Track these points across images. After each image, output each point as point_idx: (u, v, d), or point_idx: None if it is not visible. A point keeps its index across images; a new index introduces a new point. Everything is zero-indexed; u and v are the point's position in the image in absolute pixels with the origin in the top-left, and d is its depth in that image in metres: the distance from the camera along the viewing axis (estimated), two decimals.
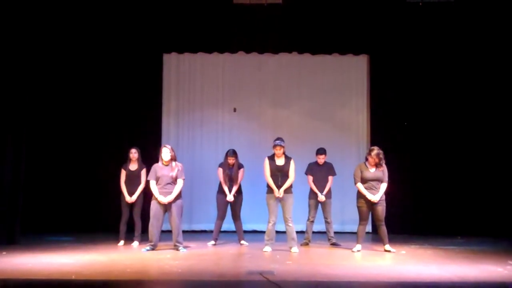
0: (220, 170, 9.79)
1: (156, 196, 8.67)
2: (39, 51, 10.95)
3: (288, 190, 8.81)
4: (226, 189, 9.64)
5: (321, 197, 9.59)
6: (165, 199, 8.63)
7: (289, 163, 8.85)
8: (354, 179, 8.97)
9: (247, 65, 12.47)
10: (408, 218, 11.44)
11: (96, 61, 11.86)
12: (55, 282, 5.93)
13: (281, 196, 8.74)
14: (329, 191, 9.78)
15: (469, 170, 11.63)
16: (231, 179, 9.68)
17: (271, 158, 8.94)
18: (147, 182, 9.02)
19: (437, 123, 11.81)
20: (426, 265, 7.39)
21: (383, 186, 8.83)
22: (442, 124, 11.79)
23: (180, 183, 8.80)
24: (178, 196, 8.80)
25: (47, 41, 11.29)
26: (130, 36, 11.80)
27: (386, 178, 8.88)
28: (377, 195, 8.73)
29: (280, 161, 8.87)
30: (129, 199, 9.51)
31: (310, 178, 9.75)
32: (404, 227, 11.21)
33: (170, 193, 8.68)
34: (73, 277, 6.11)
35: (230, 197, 9.59)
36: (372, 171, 8.83)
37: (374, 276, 6.51)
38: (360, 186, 8.88)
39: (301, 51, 12.28)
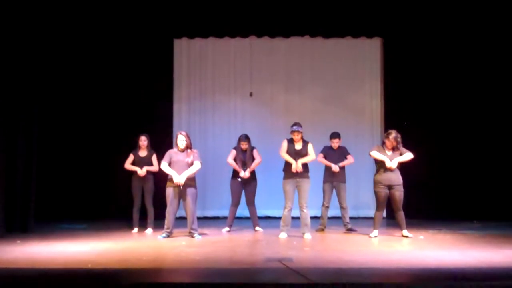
0: (233, 151, 9.67)
1: (172, 174, 8.53)
2: (51, 38, 10.86)
3: (305, 175, 8.70)
4: (239, 169, 9.53)
5: (335, 167, 9.47)
6: (181, 178, 8.48)
7: (307, 146, 8.79)
8: (370, 154, 8.80)
9: (258, 49, 12.35)
10: (423, 202, 11.32)
11: (107, 48, 11.76)
12: (71, 271, 5.83)
13: (299, 170, 8.60)
14: (344, 176, 9.66)
15: (484, 154, 11.51)
16: (244, 164, 9.57)
17: (290, 141, 8.85)
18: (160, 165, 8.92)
19: (453, 107, 11.66)
20: (447, 251, 7.24)
21: (408, 155, 8.65)
22: (457, 108, 11.65)
23: (197, 164, 8.67)
24: (193, 183, 8.69)
25: (58, 28, 11.18)
26: (140, 22, 11.68)
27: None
28: (394, 161, 8.56)
29: (298, 145, 8.78)
30: (140, 171, 9.43)
31: (321, 155, 9.61)
32: (420, 211, 11.07)
33: (185, 180, 8.55)
34: (90, 266, 6.01)
35: (244, 174, 9.45)
36: (389, 154, 8.67)
37: (395, 263, 6.38)
38: (375, 153, 8.73)
39: (313, 35, 12.17)
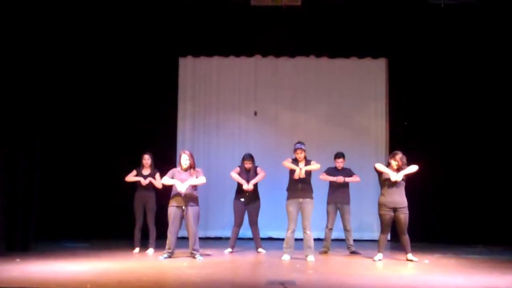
0: (237, 168, 9.61)
1: (174, 183, 8.47)
2: (56, 53, 10.91)
3: (309, 195, 8.60)
4: (243, 181, 9.43)
5: (340, 178, 9.44)
6: (183, 187, 8.41)
7: (309, 162, 8.70)
8: (375, 166, 8.69)
9: (263, 68, 12.31)
10: (428, 226, 11.19)
11: (112, 64, 11.74)
12: None
13: (302, 175, 8.51)
14: (348, 197, 9.59)
15: (489, 177, 11.37)
16: (247, 183, 9.44)
17: (294, 160, 8.77)
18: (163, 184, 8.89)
19: (458, 128, 11.57)
20: (452, 276, 7.13)
21: (412, 167, 8.54)
22: (463, 129, 11.55)
23: (202, 178, 8.61)
24: (196, 203, 8.60)
25: (64, 41, 11.20)
26: (146, 40, 11.67)
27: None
28: (400, 174, 8.44)
29: (301, 165, 8.66)
30: (143, 180, 9.36)
31: (324, 174, 9.53)
32: (424, 235, 10.95)
33: (187, 199, 8.48)
34: (88, 287, 5.90)
35: (247, 186, 9.35)
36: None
37: (401, 287, 6.25)
38: (379, 165, 8.65)
39: (318, 55, 12.15)
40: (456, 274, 7.24)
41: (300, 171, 8.57)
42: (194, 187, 8.64)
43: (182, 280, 6.63)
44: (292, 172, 8.70)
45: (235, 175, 9.54)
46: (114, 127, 11.67)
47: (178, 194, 8.51)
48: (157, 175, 9.43)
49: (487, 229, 11.12)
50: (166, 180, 8.58)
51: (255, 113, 11.69)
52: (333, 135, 11.94)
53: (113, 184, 11.12)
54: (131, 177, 9.50)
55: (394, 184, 8.47)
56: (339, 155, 9.66)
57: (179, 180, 8.52)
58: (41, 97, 9.81)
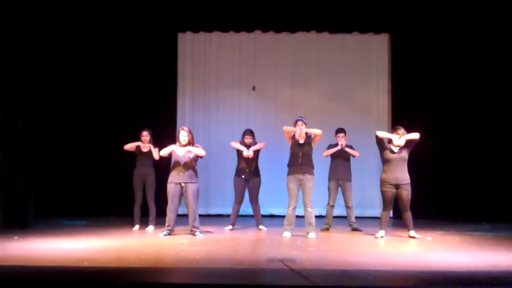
0: (238, 142, 9.54)
1: (172, 149, 8.42)
2: (53, 31, 10.75)
3: (309, 170, 8.47)
4: (243, 148, 9.37)
5: (341, 145, 9.43)
6: (181, 150, 8.36)
7: (310, 139, 8.59)
8: (376, 133, 8.58)
9: (263, 44, 12.20)
10: (431, 203, 11.17)
11: (109, 41, 11.62)
12: (66, 269, 5.63)
13: (303, 135, 8.45)
14: (349, 173, 9.51)
15: (492, 153, 11.31)
16: (248, 161, 9.36)
17: (294, 135, 8.64)
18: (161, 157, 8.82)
19: (462, 104, 11.46)
20: (455, 253, 7.01)
21: (415, 134, 8.42)
22: (466, 105, 11.44)
23: (201, 150, 8.50)
24: (195, 180, 8.50)
25: (61, 21, 11.06)
26: (144, 15, 11.54)
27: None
28: (403, 138, 8.37)
29: (302, 140, 8.56)
30: (143, 145, 9.35)
31: (326, 150, 9.50)
32: (428, 212, 10.94)
33: (187, 176, 8.39)
34: (85, 264, 5.81)
35: (247, 152, 9.27)
36: (396, 151, 8.43)
37: (402, 265, 6.16)
38: (380, 132, 8.58)
39: (319, 30, 12.03)
40: (460, 251, 7.12)
41: (301, 131, 8.47)
42: (194, 161, 8.52)
43: (182, 257, 6.53)
44: (292, 147, 8.59)
45: (234, 144, 9.50)
46: (113, 105, 11.57)
47: (177, 171, 8.41)
48: (156, 150, 9.33)
49: (490, 206, 11.08)
50: (164, 150, 8.49)
51: (253, 88, 11.51)
52: (334, 112, 11.83)
53: (112, 161, 11.17)
54: (129, 145, 9.42)
55: (396, 160, 8.35)
56: (340, 130, 9.58)
57: (179, 156, 8.42)
58: (38, 73, 9.67)
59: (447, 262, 6.32)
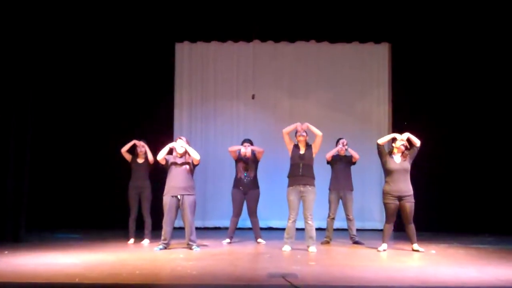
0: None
1: (169, 147, 8.27)
2: (50, 40, 10.68)
3: (310, 182, 8.25)
4: (240, 146, 9.28)
5: (343, 143, 9.33)
6: (179, 144, 8.21)
7: (311, 150, 8.40)
8: (378, 142, 8.42)
9: (262, 54, 12.02)
10: (433, 215, 10.89)
11: (107, 51, 11.47)
12: (56, 286, 5.38)
13: (305, 127, 8.37)
14: (351, 183, 9.30)
15: (493, 166, 11.13)
16: (246, 169, 9.18)
17: (295, 146, 8.48)
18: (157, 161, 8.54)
19: (463, 114, 11.31)
20: (463, 267, 6.76)
21: (417, 140, 8.28)
22: (468, 115, 11.29)
23: (196, 153, 8.30)
24: (192, 192, 8.26)
25: (59, 30, 10.98)
26: (141, 25, 11.40)
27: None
28: (405, 134, 8.24)
29: (302, 150, 8.39)
30: (138, 142, 9.30)
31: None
32: (430, 224, 10.64)
33: (183, 188, 8.16)
34: (77, 280, 5.55)
35: (245, 150, 9.17)
36: (398, 162, 8.21)
37: (409, 280, 5.91)
38: (380, 139, 8.41)
39: (319, 39, 11.89)
40: (467, 266, 6.88)
41: (302, 125, 8.33)
42: (191, 173, 8.30)
43: (177, 273, 6.27)
44: (293, 157, 8.40)
45: (231, 147, 9.39)
46: (109, 115, 11.40)
47: (174, 183, 8.20)
48: (150, 155, 9.19)
49: (492, 218, 10.89)
50: (161, 152, 8.27)
51: (253, 97, 11.26)
52: (334, 122, 11.59)
53: (108, 174, 11.04)
54: (125, 147, 9.30)
55: (399, 171, 8.15)
56: (342, 138, 9.42)
57: (175, 167, 8.24)
58: (32, 83, 9.51)
59: (455, 278, 6.06)
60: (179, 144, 8.29)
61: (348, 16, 11.33)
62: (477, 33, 11.14)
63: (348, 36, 11.74)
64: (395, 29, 11.50)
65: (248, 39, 11.71)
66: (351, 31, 11.63)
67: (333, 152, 9.30)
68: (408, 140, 8.32)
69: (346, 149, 9.34)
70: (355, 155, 9.33)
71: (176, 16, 11.33)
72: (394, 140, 8.42)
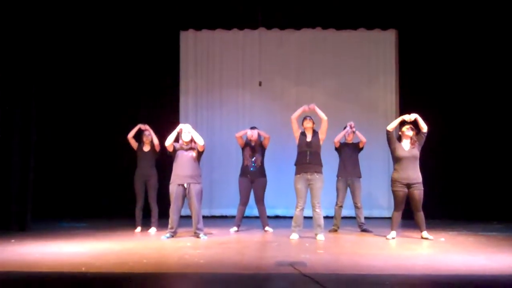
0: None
1: (177, 130, 8.20)
2: (55, 28, 10.70)
3: (318, 169, 8.16)
4: (246, 130, 9.26)
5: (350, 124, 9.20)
6: (187, 132, 8.15)
7: (318, 136, 8.32)
8: (387, 128, 8.28)
9: (268, 41, 11.91)
10: (441, 203, 10.79)
11: (111, 40, 11.44)
12: (62, 275, 5.31)
13: (312, 107, 8.32)
14: (359, 170, 9.22)
15: (503, 152, 11.00)
16: (252, 156, 9.12)
17: (302, 133, 8.40)
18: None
19: (472, 101, 11.17)
20: (473, 255, 6.66)
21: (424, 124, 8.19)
22: (477, 102, 11.15)
23: (201, 138, 8.19)
24: (199, 180, 8.20)
25: (62, 20, 10.92)
26: (146, 13, 11.33)
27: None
28: (413, 115, 8.16)
29: (309, 137, 8.31)
30: (142, 125, 9.23)
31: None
32: (437, 212, 10.53)
33: (190, 176, 8.08)
34: (83, 270, 5.49)
35: (251, 132, 9.15)
36: (406, 150, 8.12)
37: (419, 268, 5.82)
38: (390, 125, 8.27)
39: (325, 27, 11.78)
40: (477, 253, 6.78)
41: (309, 105, 8.33)
42: (197, 161, 8.22)
43: (185, 261, 6.20)
44: (300, 145, 8.31)
45: (238, 133, 9.33)
46: (114, 104, 11.36)
47: (180, 171, 8.12)
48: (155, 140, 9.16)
49: (500, 205, 10.78)
50: (168, 139, 8.19)
51: (260, 84, 11.13)
52: (341, 111, 11.46)
53: (114, 161, 11.01)
54: (131, 132, 9.23)
55: (408, 158, 8.05)
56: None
57: (180, 154, 8.17)
58: (37, 72, 9.45)
59: (466, 266, 5.97)
60: (186, 129, 8.21)
61: (355, 2, 11.23)
62: (486, 19, 10.96)
63: (354, 23, 11.63)
64: (402, 16, 11.36)
65: (254, 27, 11.60)
66: (358, 18, 11.52)
67: (340, 135, 9.22)
68: (416, 124, 8.19)
69: (353, 132, 9.24)
70: (362, 138, 9.24)
71: (180, 4, 11.25)
72: (402, 125, 8.31)
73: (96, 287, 4.91)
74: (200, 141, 8.14)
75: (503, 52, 10.95)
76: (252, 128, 9.31)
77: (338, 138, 9.22)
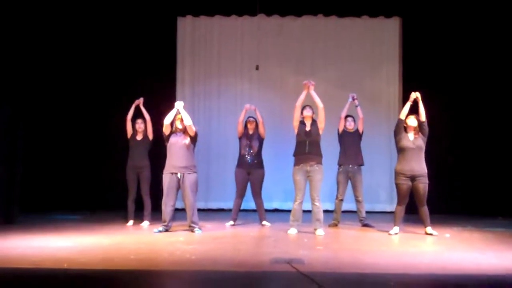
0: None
1: (174, 110, 7.94)
2: (44, 14, 10.37)
3: (318, 160, 7.87)
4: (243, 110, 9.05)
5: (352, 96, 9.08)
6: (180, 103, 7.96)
7: (316, 125, 8.05)
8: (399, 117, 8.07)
9: (268, 29, 11.56)
10: (444, 197, 10.50)
11: (106, 26, 11.13)
12: (40, 272, 4.95)
13: (312, 84, 8.11)
14: (361, 158, 8.91)
15: (507, 147, 10.70)
16: (250, 147, 8.83)
17: (301, 122, 8.11)
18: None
19: (478, 93, 10.87)
20: (481, 252, 6.32)
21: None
22: (483, 94, 10.85)
23: (190, 120, 7.95)
24: (193, 170, 7.87)
25: (53, 3, 10.56)
26: None
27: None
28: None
29: (308, 126, 8.02)
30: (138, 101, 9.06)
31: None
32: (440, 206, 10.21)
33: (184, 166, 7.78)
34: (65, 266, 5.13)
35: (248, 105, 9.03)
36: (411, 139, 7.77)
37: (426, 267, 5.48)
38: (402, 114, 8.02)
39: (327, 14, 11.53)
40: (485, 251, 6.44)
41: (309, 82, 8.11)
42: (191, 149, 7.91)
43: (175, 257, 5.85)
44: (299, 134, 8.01)
45: (240, 117, 9.07)
46: (108, 92, 11.07)
47: (173, 160, 7.82)
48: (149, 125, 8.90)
49: (505, 200, 10.51)
50: (168, 117, 7.94)
51: (257, 67, 10.74)
52: (342, 101, 10.89)
53: (106, 153, 10.77)
54: (129, 113, 8.98)
55: (413, 149, 7.74)
56: (349, 115, 9.03)
57: (174, 142, 7.89)
58: (25, 62, 9.26)
59: (475, 264, 5.61)
60: (178, 105, 7.96)
61: None
62: (492, 7, 10.65)
63: (357, 10, 11.36)
64: (406, 3, 11.08)
65: (253, 13, 11.23)
66: (361, 5, 11.27)
67: (343, 112, 8.95)
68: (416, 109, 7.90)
69: (356, 106, 9.00)
70: (360, 114, 9.00)
71: None
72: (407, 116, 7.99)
73: (76, 286, 4.53)
74: (187, 122, 7.82)
75: (509, 41, 10.61)
76: (250, 118, 8.95)
77: (341, 117, 8.97)
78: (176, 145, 7.83)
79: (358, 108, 9.00)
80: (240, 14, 11.44)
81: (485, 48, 10.77)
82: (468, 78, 10.85)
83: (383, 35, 11.53)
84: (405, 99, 10.96)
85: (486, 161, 10.74)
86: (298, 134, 8.01)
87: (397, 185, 7.84)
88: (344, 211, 9.07)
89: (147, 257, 5.90)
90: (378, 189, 11.14)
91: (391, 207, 10.89)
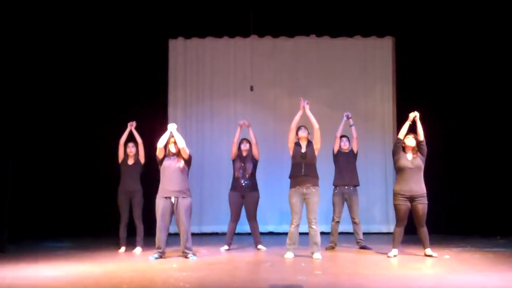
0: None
1: (167, 133, 7.74)
2: (39, 34, 10.34)
3: (315, 182, 7.72)
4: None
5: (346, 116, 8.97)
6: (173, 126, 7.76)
7: (312, 146, 7.92)
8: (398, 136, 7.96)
9: (260, 50, 11.50)
10: (442, 217, 10.35)
11: (98, 48, 11.01)
12: None
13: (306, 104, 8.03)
14: (356, 178, 8.82)
15: (504, 165, 10.61)
16: (244, 169, 8.66)
17: (297, 143, 7.99)
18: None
19: (472, 111, 10.81)
20: (484, 274, 6.17)
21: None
22: (476, 113, 10.79)
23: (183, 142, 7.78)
24: (187, 194, 7.69)
25: (50, 26, 10.58)
26: (133, 20, 10.97)
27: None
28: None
29: (303, 148, 7.89)
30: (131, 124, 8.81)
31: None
32: (439, 227, 10.09)
33: (178, 190, 7.60)
34: None
35: (243, 122, 8.91)
36: (409, 159, 7.65)
37: None
38: (400, 134, 7.88)
39: (319, 34, 11.48)
40: (488, 272, 6.28)
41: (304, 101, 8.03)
42: (185, 173, 7.75)
43: (169, 286, 5.65)
44: (294, 156, 7.88)
45: (234, 137, 8.93)
46: (99, 115, 10.93)
47: (167, 184, 7.64)
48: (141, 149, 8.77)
49: (502, 220, 10.40)
50: (161, 140, 7.74)
51: (251, 88, 10.65)
52: (336, 121, 10.84)
53: (98, 178, 10.61)
54: (123, 137, 8.79)
55: (411, 169, 7.62)
56: (343, 136, 8.94)
57: (168, 166, 7.70)
58: (16, 81, 9.12)
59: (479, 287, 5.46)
60: (171, 128, 7.78)
61: (350, 9, 10.92)
62: (483, 26, 10.66)
63: (350, 30, 11.32)
64: (399, 22, 11.06)
65: (246, 35, 11.17)
66: (353, 25, 11.22)
67: (340, 128, 8.89)
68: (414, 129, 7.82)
69: (351, 125, 8.95)
70: (354, 133, 8.93)
71: (169, 11, 10.89)
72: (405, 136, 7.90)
73: None
74: (180, 144, 7.65)
75: (501, 58, 10.62)
76: (244, 141, 8.83)
77: (338, 133, 8.91)
78: (170, 169, 7.66)
79: (353, 127, 8.91)
80: (232, 35, 11.38)
81: (478, 67, 10.74)
82: (462, 97, 10.79)
83: (376, 55, 11.50)
84: (399, 118, 11.00)
85: (483, 180, 10.61)
86: (293, 156, 7.88)
87: (395, 206, 7.70)
88: (340, 233, 8.94)
89: (140, 285, 5.72)
90: (373, 209, 11.04)
91: (387, 227, 10.79)
